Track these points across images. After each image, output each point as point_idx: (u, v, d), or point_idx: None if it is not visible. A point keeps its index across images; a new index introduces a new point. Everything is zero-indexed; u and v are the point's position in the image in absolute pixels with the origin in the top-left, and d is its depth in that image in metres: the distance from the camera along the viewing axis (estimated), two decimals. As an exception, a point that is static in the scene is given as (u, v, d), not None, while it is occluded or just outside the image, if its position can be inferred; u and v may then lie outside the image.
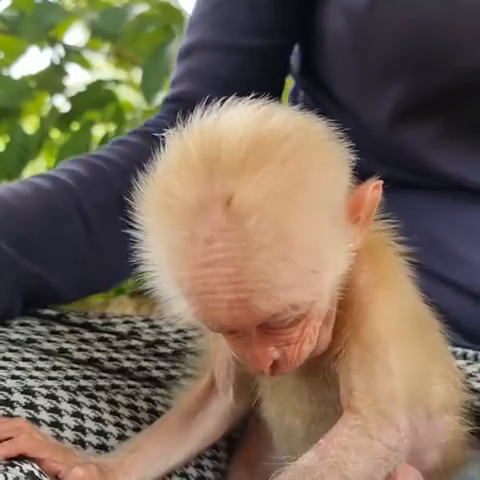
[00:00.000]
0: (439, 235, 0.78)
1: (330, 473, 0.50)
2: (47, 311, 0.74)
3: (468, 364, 0.68)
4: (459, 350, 0.70)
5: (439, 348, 0.59)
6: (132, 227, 0.49)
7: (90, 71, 2.21)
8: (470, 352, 0.70)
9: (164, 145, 0.80)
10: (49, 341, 0.70)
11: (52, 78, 2.14)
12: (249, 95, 0.81)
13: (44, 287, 0.72)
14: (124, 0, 2.23)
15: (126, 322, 0.76)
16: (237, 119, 0.47)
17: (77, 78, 2.18)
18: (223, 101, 0.49)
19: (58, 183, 0.75)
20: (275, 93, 0.85)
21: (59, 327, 0.73)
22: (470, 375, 0.66)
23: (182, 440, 0.62)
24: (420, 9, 0.70)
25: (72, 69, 2.18)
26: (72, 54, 2.17)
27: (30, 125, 2.19)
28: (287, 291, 0.46)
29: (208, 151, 0.46)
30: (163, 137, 0.81)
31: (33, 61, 2.32)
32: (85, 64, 2.20)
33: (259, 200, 0.44)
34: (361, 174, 0.84)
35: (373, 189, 0.51)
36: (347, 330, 0.53)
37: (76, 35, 2.15)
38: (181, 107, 0.81)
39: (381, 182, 0.52)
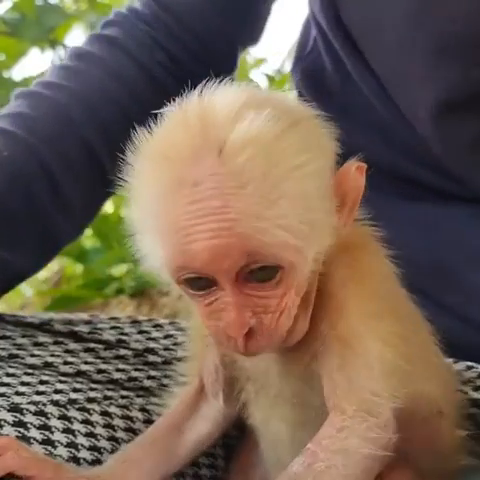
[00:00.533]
0: (449, 260, 0.75)
1: (321, 478, 0.49)
2: (30, 319, 0.73)
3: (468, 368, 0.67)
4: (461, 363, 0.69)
5: (428, 349, 0.58)
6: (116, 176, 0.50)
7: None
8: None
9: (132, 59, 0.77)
10: (33, 355, 0.69)
11: (53, 80, 2.13)
12: (233, 11, 0.79)
13: (8, 270, 0.70)
14: (124, 1, 2.23)
15: (113, 328, 0.75)
16: (233, 90, 0.50)
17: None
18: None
19: (17, 143, 0.71)
20: (261, 16, 0.83)
21: (42, 338, 0.71)
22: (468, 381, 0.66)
23: (175, 447, 0.62)
24: None
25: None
26: (73, 56, 2.17)
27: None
28: (272, 230, 0.46)
29: (205, 110, 0.48)
30: (131, 49, 0.78)
31: (34, 63, 2.33)
32: (86, 66, 2.20)
33: (250, 140, 0.46)
34: (368, 156, 0.78)
35: (356, 170, 0.51)
36: (325, 327, 0.52)
37: (77, 37, 2.16)
38: (157, 10, 0.79)
39: (364, 165, 0.52)
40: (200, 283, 0.48)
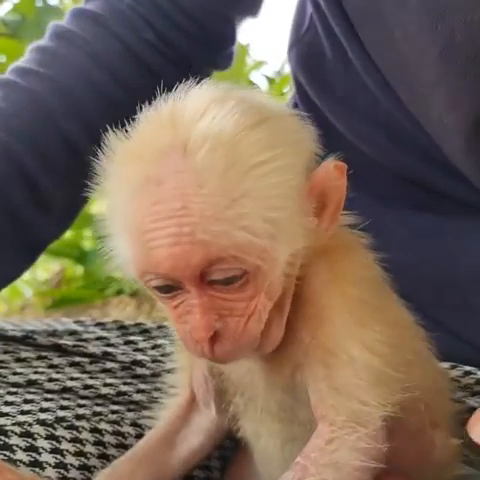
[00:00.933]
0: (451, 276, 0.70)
1: None
2: (12, 332, 0.71)
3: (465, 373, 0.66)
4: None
5: (420, 356, 0.56)
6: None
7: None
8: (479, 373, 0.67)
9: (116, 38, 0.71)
10: (15, 373, 0.67)
11: (53, 81, 2.14)
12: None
13: None
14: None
15: (99, 338, 0.72)
16: (205, 88, 0.49)
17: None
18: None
19: None
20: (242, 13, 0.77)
21: (25, 353, 0.69)
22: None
23: (167, 460, 0.60)
24: None
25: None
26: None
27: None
28: (233, 231, 0.45)
29: (174, 109, 0.48)
30: (115, 27, 0.72)
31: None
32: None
33: (211, 137, 0.45)
34: (372, 154, 0.72)
35: (334, 169, 0.50)
36: (306, 335, 0.51)
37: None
38: None
39: (344, 165, 0.50)
40: (166, 286, 0.47)
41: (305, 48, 0.77)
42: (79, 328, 0.73)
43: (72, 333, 0.72)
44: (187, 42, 0.75)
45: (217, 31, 0.77)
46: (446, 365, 0.66)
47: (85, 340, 0.72)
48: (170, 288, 0.47)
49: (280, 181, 0.46)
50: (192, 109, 0.47)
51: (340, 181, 0.50)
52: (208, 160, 0.45)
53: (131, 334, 0.74)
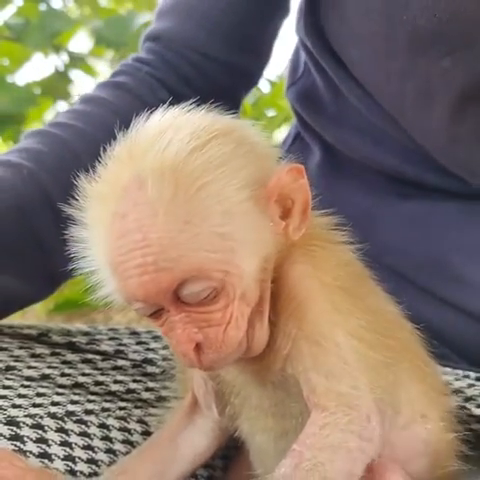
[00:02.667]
0: (442, 253, 0.77)
1: (310, 477, 0.49)
2: (27, 330, 0.73)
3: (469, 386, 0.67)
4: (460, 372, 0.69)
5: (408, 347, 0.57)
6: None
7: (94, 78, 2.22)
8: (472, 374, 0.68)
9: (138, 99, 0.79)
10: (30, 367, 0.69)
11: (56, 85, 2.14)
12: (236, 42, 0.79)
13: (10, 294, 0.70)
14: (128, 7, 2.24)
15: (111, 338, 0.74)
16: (159, 116, 0.52)
17: (81, 85, 2.20)
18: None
19: (21, 172, 0.71)
20: (268, 43, 0.83)
21: (39, 349, 0.71)
22: (471, 398, 0.65)
23: (172, 460, 0.61)
24: None
25: (76, 76, 2.19)
26: (76, 61, 2.18)
27: (34, 131, 2.20)
28: (191, 253, 0.47)
29: (132, 142, 0.51)
30: (136, 91, 0.80)
31: (38, 68, 2.34)
32: (89, 71, 2.21)
33: (158, 167, 0.48)
34: (366, 160, 0.81)
35: (287, 173, 0.51)
36: (291, 328, 0.52)
37: (80, 42, 2.17)
38: (160, 49, 0.81)
39: (300, 166, 0.52)
40: (148, 308, 0.50)
41: (302, 86, 0.88)
42: (92, 330, 0.76)
43: (86, 333, 0.75)
44: (199, 95, 0.80)
45: (225, 88, 0.83)
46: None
47: (98, 339, 0.74)
48: (152, 309, 0.50)
49: (227, 197, 0.49)
50: (145, 141, 0.50)
51: (300, 182, 0.52)
52: (157, 189, 0.48)
53: (143, 338, 0.76)
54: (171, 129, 0.50)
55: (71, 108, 0.80)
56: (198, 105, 0.53)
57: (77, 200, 0.51)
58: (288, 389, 0.54)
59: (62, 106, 2.17)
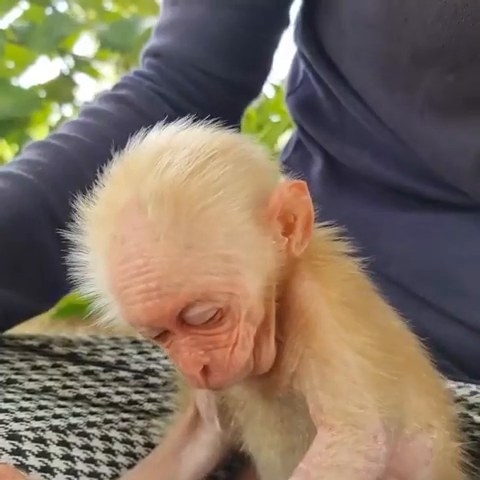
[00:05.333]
0: (443, 264, 0.77)
1: None
2: (29, 342, 0.72)
3: (472, 394, 0.66)
4: (462, 384, 0.68)
5: (414, 360, 0.57)
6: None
7: (99, 81, 2.23)
8: (473, 387, 0.68)
9: (140, 112, 0.80)
10: (31, 380, 0.68)
11: (61, 88, 2.15)
12: (236, 57, 0.80)
13: (12, 307, 0.70)
14: (133, 10, 2.24)
15: (113, 348, 0.74)
16: (154, 137, 0.52)
17: (86, 88, 2.20)
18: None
19: (22, 184, 0.71)
20: (268, 56, 0.83)
21: (40, 361, 0.70)
22: (473, 406, 0.65)
23: (174, 474, 0.61)
24: None
25: (81, 79, 2.20)
26: (81, 64, 2.19)
27: (39, 135, 2.21)
28: (195, 277, 0.47)
29: (128, 164, 0.50)
30: (138, 104, 0.80)
31: (43, 71, 2.35)
32: (94, 74, 2.22)
33: (158, 190, 0.47)
34: (366, 171, 0.82)
35: (289, 189, 0.51)
36: (299, 346, 0.52)
37: (86, 46, 2.18)
38: (161, 65, 0.81)
39: (302, 182, 0.51)
40: (154, 332, 0.50)
41: (301, 95, 0.88)
42: (94, 341, 0.75)
43: (87, 343, 0.74)
44: (200, 110, 0.81)
45: (225, 102, 0.82)
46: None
47: (100, 350, 0.74)
48: (158, 332, 0.50)
49: (229, 219, 0.48)
50: (142, 162, 0.49)
51: (302, 197, 0.51)
52: (158, 213, 0.47)
53: (145, 347, 0.76)
54: (169, 149, 0.49)
55: (73, 120, 0.80)
56: (196, 120, 0.53)
57: (76, 223, 0.51)
58: (294, 405, 0.54)
59: (67, 109, 2.18)
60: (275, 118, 1.96)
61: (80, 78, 2.18)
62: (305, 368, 0.52)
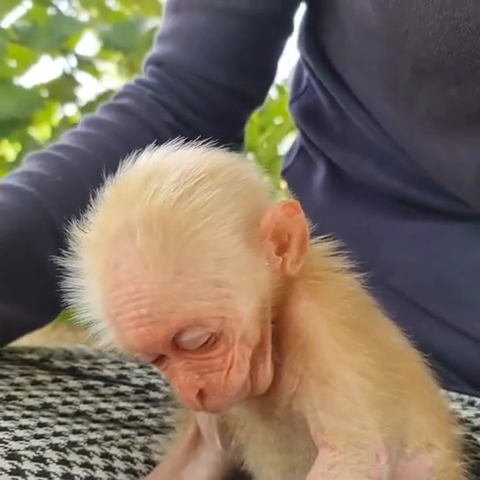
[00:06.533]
0: (445, 275, 0.76)
1: None
2: (29, 355, 0.72)
3: (477, 416, 0.66)
4: (466, 397, 0.68)
5: (416, 378, 0.56)
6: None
7: (101, 81, 2.22)
8: (478, 401, 0.68)
9: (141, 122, 0.80)
10: (31, 396, 0.68)
11: (64, 88, 2.15)
12: (238, 65, 0.80)
13: (12, 322, 0.69)
14: (135, 10, 2.24)
15: (114, 362, 0.74)
16: (144, 160, 0.51)
17: (88, 88, 2.20)
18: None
19: (23, 196, 0.70)
20: (271, 64, 0.82)
21: (41, 376, 0.70)
22: (477, 428, 0.64)
23: None
24: (459, 8, 0.63)
25: (83, 79, 2.19)
26: (84, 64, 2.18)
27: (41, 134, 2.21)
28: (185, 303, 0.46)
29: (119, 189, 0.50)
30: (140, 113, 0.80)
31: (45, 70, 2.34)
32: (96, 74, 2.22)
33: (147, 216, 0.47)
34: (370, 181, 0.82)
35: (283, 209, 0.50)
36: (298, 366, 0.51)
37: (88, 45, 2.17)
38: (162, 73, 0.81)
39: (296, 203, 0.51)
40: (149, 356, 0.50)
41: (304, 102, 0.88)
42: (95, 354, 0.75)
43: (88, 357, 0.74)
44: (201, 120, 0.81)
45: (227, 111, 0.82)
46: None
47: (100, 364, 0.73)
48: (153, 357, 0.50)
49: (219, 243, 0.48)
50: (132, 187, 0.49)
51: (295, 216, 0.51)
52: (146, 240, 0.46)
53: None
54: (158, 174, 0.49)
55: (74, 130, 0.80)
56: (188, 140, 0.52)
57: (72, 248, 0.50)
58: (294, 425, 0.54)
59: (69, 109, 2.18)
60: (278, 120, 1.96)
61: (82, 78, 2.18)
62: (305, 388, 0.51)
